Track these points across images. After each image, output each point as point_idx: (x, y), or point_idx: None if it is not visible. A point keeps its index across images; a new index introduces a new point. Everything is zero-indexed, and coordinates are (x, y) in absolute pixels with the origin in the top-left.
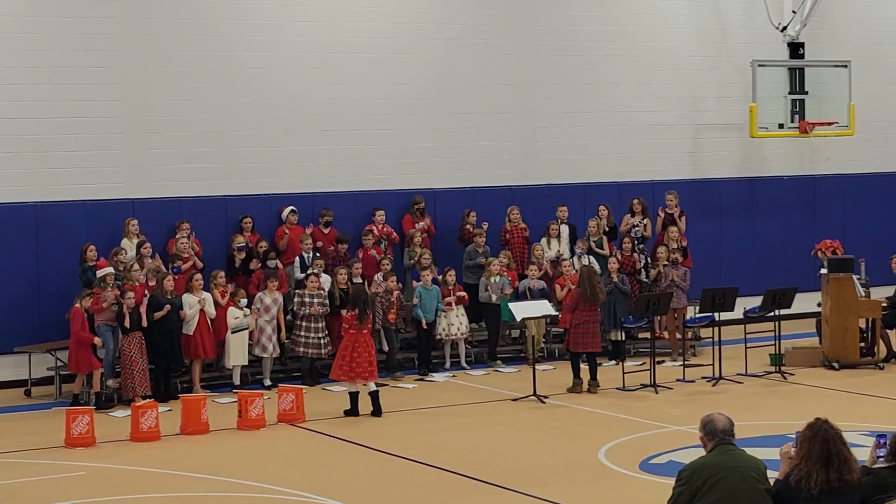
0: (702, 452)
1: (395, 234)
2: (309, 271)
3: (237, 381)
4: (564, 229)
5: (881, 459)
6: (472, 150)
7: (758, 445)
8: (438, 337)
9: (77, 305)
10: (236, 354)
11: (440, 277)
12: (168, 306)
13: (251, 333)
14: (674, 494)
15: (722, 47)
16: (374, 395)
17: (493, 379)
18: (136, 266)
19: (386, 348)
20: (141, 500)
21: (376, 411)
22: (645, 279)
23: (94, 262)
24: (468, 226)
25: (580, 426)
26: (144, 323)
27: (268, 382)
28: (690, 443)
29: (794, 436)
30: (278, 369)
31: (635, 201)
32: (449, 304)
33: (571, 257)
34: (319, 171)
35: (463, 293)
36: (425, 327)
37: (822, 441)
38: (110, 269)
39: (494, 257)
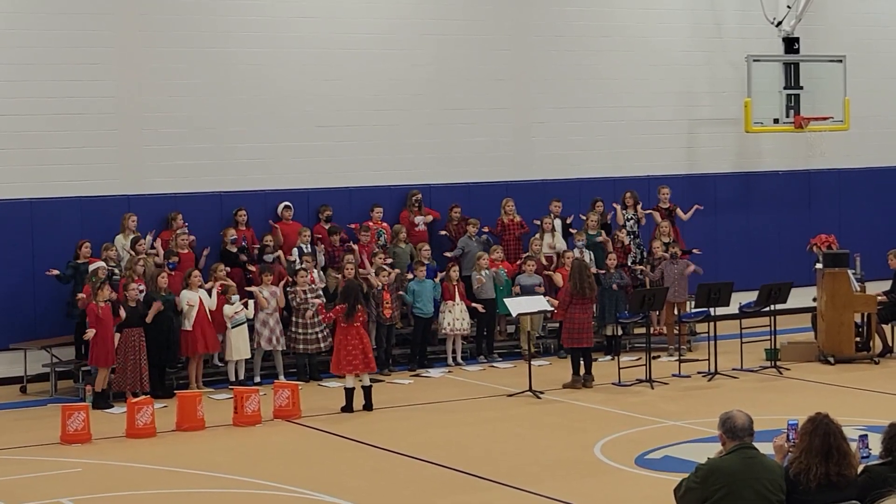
0: (700, 448)
1: (389, 229)
2: (300, 266)
3: (233, 377)
4: (558, 224)
5: (866, 459)
6: (466, 146)
7: (754, 440)
8: (443, 332)
9: (94, 303)
10: (238, 349)
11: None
12: (160, 303)
13: (252, 328)
14: (684, 485)
15: (717, 42)
16: (367, 390)
17: (488, 375)
18: (141, 261)
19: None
20: (137, 497)
21: (368, 406)
22: (640, 276)
23: (88, 259)
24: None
25: (576, 422)
26: (149, 319)
27: (281, 378)
28: (686, 438)
29: (785, 428)
30: (272, 365)
31: (627, 194)
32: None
33: (571, 249)
34: (314, 168)
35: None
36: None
37: (822, 435)
38: (102, 264)
39: (485, 252)
